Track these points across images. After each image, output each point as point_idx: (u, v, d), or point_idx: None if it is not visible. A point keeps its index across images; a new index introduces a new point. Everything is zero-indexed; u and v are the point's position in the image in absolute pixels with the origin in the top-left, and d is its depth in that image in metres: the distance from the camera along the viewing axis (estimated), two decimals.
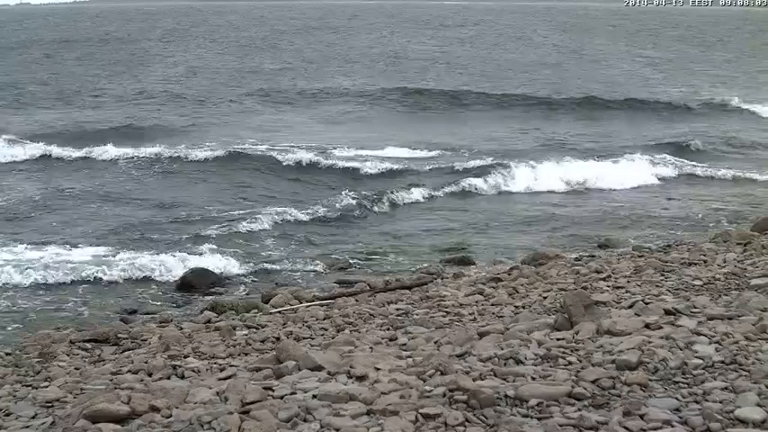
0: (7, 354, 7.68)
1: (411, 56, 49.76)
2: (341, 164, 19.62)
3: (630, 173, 18.51)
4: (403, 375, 4.39)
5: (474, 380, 4.06)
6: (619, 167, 18.87)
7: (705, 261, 8.46)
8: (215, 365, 6.15)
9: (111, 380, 5.84)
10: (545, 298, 7.64)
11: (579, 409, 3.67)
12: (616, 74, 40.99)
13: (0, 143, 21.08)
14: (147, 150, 20.61)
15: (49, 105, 29.75)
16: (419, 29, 79.41)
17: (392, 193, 16.59)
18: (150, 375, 5.96)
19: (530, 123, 26.91)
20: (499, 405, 3.75)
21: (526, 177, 18.11)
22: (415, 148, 21.71)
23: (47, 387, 5.84)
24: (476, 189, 17.51)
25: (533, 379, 4.09)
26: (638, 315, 5.39)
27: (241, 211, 15.29)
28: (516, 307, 7.46)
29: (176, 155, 20.29)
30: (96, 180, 18.26)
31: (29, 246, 12.91)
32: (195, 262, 12.00)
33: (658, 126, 26.11)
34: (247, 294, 10.75)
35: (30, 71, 40.56)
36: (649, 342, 4.48)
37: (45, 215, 15.09)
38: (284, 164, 19.64)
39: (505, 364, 4.41)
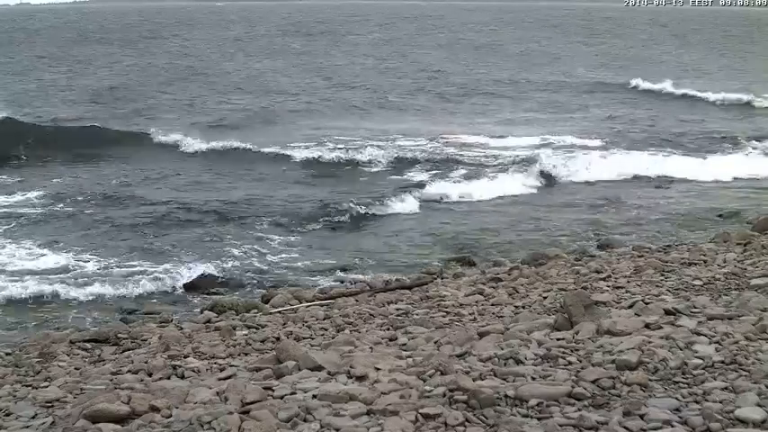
0: (7, 354, 7.67)
1: None
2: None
3: None
4: (403, 375, 4.39)
5: (474, 380, 4.06)
6: None
7: (705, 261, 8.46)
8: (215, 365, 6.15)
9: (111, 380, 5.83)
10: (545, 298, 7.64)
11: (579, 409, 3.66)
12: None
13: None
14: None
15: None
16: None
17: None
18: (150, 375, 5.95)
19: None
20: (499, 405, 3.74)
21: None
22: None
23: (47, 387, 5.83)
24: None
25: (533, 379, 4.08)
26: (638, 315, 5.39)
27: (241, 211, 15.35)
28: (516, 307, 7.45)
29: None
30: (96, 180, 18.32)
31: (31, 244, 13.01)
32: (195, 261, 12.01)
33: None
34: (247, 294, 10.75)
35: None
36: (649, 342, 4.48)
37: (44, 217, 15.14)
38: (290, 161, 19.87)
39: (505, 364, 4.40)
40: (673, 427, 3.41)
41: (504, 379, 4.11)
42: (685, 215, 14.74)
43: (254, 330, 7.81)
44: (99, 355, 7.38)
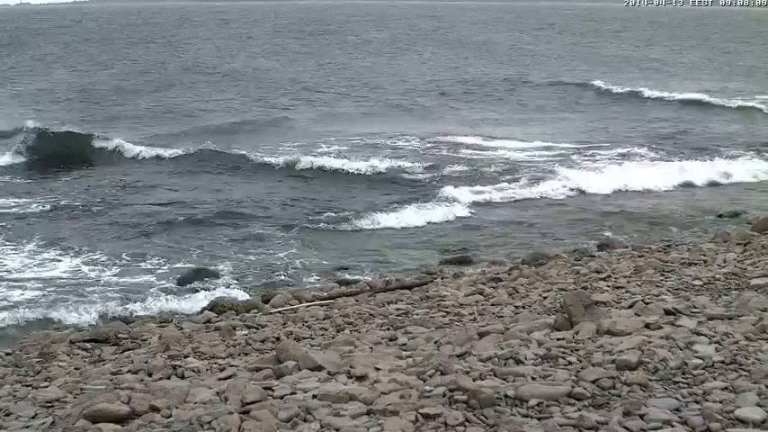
0: (7, 354, 7.66)
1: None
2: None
3: None
4: (403, 375, 4.39)
5: (474, 380, 4.06)
6: None
7: (705, 261, 8.46)
8: (215, 365, 6.14)
9: (111, 380, 5.82)
10: (545, 298, 7.63)
11: (579, 409, 3.66)
12: None
13: None
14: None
15: None
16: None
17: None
18: (150, 375, 5.95)
19: None
20: (499, 405, 3.74)
21: None
22: None
23: (47, 387, 5.82)
24: None
25: (533, 379, 4.08)
26: (638, 315, 5.39)
27: (242, 212, 15.37)
28: (516, 307, 7.45)
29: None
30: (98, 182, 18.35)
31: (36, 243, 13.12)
32: (196, 262, 12.01)
33: None
34: (247, 294, 10.75)
35: None
36: (649, 342, 4.48)
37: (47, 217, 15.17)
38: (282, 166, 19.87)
39: (505, 364, 4.40)
40: (673, 427, 3.41)
41: (504, 379, 4.11)
42: (685, 215, 14.75)
43: (254, 330, 7.80)
44: (99, 355, 7.37)
